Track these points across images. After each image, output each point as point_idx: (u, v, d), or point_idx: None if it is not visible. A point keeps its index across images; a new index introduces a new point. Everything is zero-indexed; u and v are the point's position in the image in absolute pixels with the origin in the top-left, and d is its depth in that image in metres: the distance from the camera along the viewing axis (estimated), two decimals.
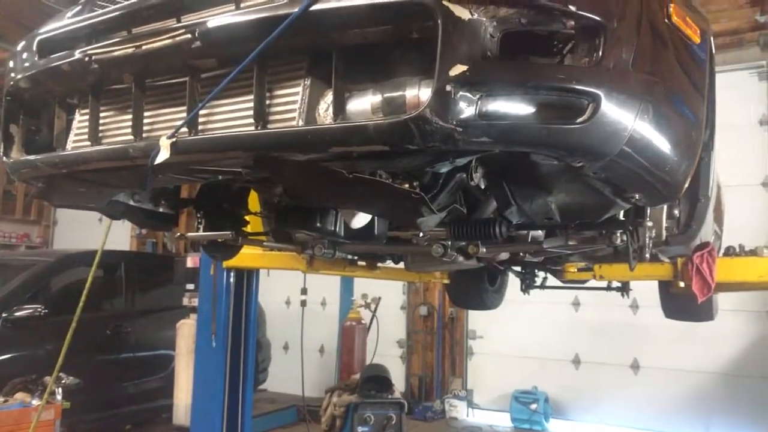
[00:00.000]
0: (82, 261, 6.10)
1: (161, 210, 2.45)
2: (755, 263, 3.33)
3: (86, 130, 1.86)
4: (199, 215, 2.52)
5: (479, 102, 1.27)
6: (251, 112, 1.54)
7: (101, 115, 1.86)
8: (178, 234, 2.80)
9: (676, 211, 2.47)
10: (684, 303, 3.75)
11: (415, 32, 1.36)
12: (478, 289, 4.92)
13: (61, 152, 1.95)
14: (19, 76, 1.94)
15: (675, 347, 7.06)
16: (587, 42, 1.33)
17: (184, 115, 1.63)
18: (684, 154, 1.56)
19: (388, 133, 1.32)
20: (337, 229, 2.12)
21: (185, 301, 6.31)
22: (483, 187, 1.81)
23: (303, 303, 6.17)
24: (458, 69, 1.25)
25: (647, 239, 2.06)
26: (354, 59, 1.47)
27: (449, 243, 2.06)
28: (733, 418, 6.81)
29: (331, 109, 1.47)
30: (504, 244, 2.19)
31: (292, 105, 1.53)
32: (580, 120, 1.30)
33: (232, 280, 4.93)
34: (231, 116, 1.61)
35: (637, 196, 1.64)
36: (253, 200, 2.59)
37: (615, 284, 4.69)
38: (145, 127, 1.75)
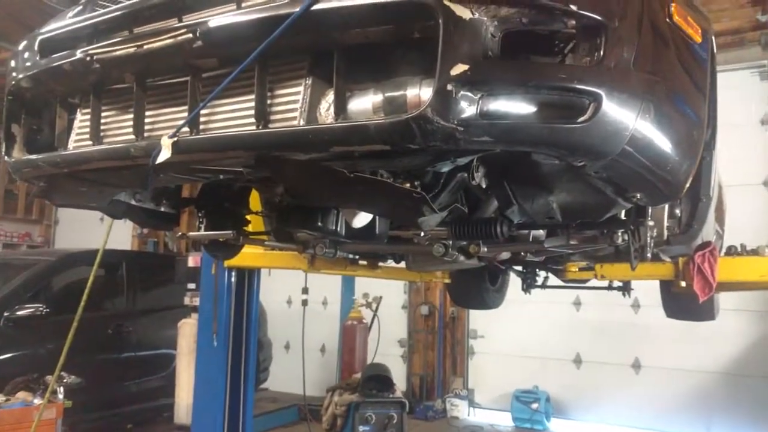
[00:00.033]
0: (84, 260, 6.11)
1: (162, 209, 2.45)
2: (757, 263, 3.33)
3: (88, 129, 1.86)
4: (200, 214, 2.52)
5: (480, 101, 1.27)
6: (252, 112, 1.54)
7: (102, 114, 1.86)
8: (180, 233, 2.79)
9: (678, 211, 2.47)
10: (685, 302, 3.75)
11: (416, 32, 1.36)
12: (479, 288, 4.92)
13: (62, 152, 1.95)
14: (20, 76, 1.94)
15: (676, 347, 7.06)
16: (588, 41, 1.33)
17: (186, 114, 1.63)
18: (685, 153, 1.56)
19: (390, 133, 1.32)
20: (339, 229, 2.13)
21: (186, 301, 6.32)
22: (484, 186, 1.81)
23: (304, 302, 6.18)
24: (459, 68, 1.25)
25: (648, 239, 2.06)
26: (355, 59, 1.47)
27: (450, 242, 2.06)
28: (735, 418, 6.80)
29: (332, 109, 1.47)
30: (505, 243, 2.18)
31: (293, 104, 1.53)
32: (581, 119, 1.30)
33: (233, 279, 4.93)
34: (232, 116, 1.61)
35: (638, 196, 1.64)
36: (255, 199, 2.59)
37: (616, 284, 4.69)
38: (147, 127, 1.75)
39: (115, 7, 1.77)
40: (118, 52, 1.69)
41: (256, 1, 1.52)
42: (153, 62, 1.69)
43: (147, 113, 1.76)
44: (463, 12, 1.27)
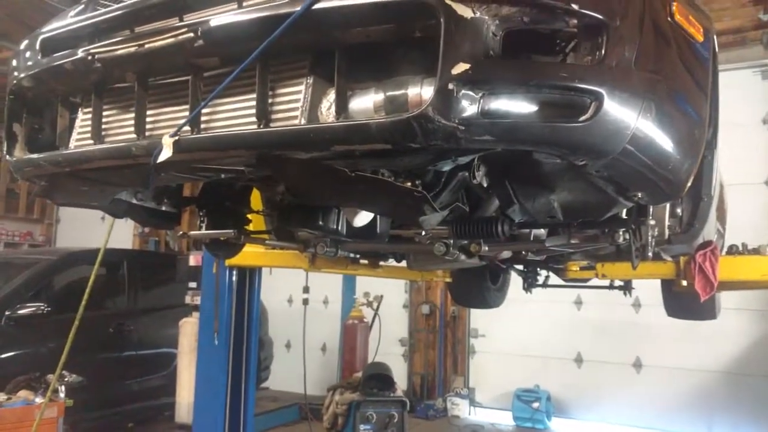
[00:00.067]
0: (85, 259, 6.12)
1: (164, 208, 2.46)
2: (758, 262, 3.33)
3: (89, 128, 1.86)
4: (201, 213, 2.52)
5: (482, 100, 1.27)
6: (254, 111, 1.54)
7: (104, 113, 1.86)
8: (181, 232, 2.80)
9: (679, 210, 2.47)
10: (686, 301, 3.75)
11: (417, 31, 1.36)
12: (480, 287, 4.91)
13: (63, 151, 1.95)
14: (22, 75, 1.95)
15: (677, 346, 7.05)
16: (590, 40, 1.33)
17: (187, 113, 1.63)
18: (687, 152, 1.56)
19: (391, 132, 1.32)
20: (340, 228, 2.13)
21: (188, 300, 6.33)
22: (485, 185, 1.81)
23: (305, 301, 6.18)
24: (461, 67, 1.25)
25: (650, 238, 2.06)
26: (356, 58, 1.47)
27: (451, 241, 2.06)
28: (736, 417, 6.80)
29: (333, 108, 1.47)
30: (506, 242, 2.18)
31: (294, 103, 1.53)
32: (582, 118, 1.29)
33: (234, 278, 4.94)
34: (233, 115, 1.61)
35: (639, 195, 1.64)
36: (256, 198, 2.59)
37: (617, 283, 4.69)
38: (148, 126, 1.75)
39: (116, 6, 1.77)
40: (119, 52, 1.69)
41: (257, 0, 1.52)
42: (154, 61, 1.69)
43: (148, 112, 1.76)
44: (465, 11, 1.26)
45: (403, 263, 3.39)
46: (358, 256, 3.45)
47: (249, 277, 5.05)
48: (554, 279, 4.57)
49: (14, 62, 2.00)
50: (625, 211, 2.02)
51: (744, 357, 6.92)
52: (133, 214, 2.38)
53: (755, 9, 7.09)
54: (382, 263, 3.82)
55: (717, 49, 1.87)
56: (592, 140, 1.33)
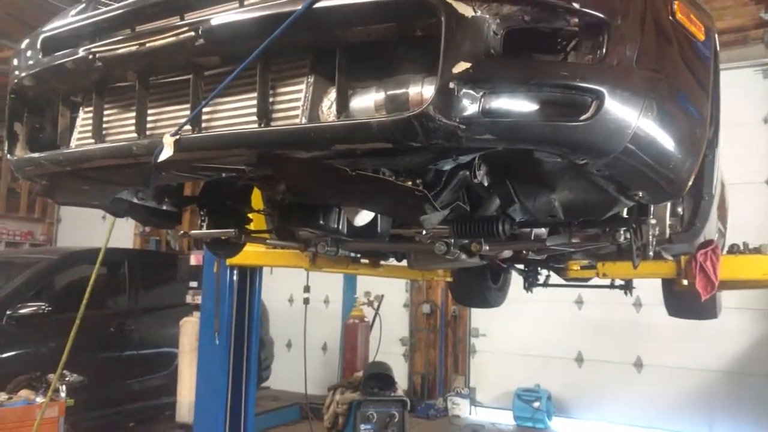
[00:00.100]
0: (86, 259, 6.12)
1: (164, 208, 2.46)
2: (759, 261, 3.33)
3: (90, 127, 1.86)
4: (202, 213, 2.53)
5: (482, 99, 1.27)
6: (254, 110, 1.54)
7: (105, 112, 1.86)
8: (182, 232, 2.80)
9: (680, 209, 2.47)
10: (687, 301, 3.75)
11: (418, 29, 1.36)
12: (481, 286, 4.91)
13: (64, 150, 1.95)
14: (23, 74, 1.95)
15: (678, 345, 7.05)
16: (591, 39, 1.33)
17: (188, 112, 1.63)
18: (688, 151, 1.56)
19: (392, 131, 1.32)
20: (340, 227, 2.13)
21: (188, 299, 6.31)
22: (486, 184, 1.81)
23: (306, 301, 6.18)
24: (461, 66, 1.25)
25: (651, 237, 2.06)
26: (357, 56, 1.47)
27: (452, 241, 2.06)
28: (737, 416, 6.80)
29: (334, 107, 1.47)
30: (507, 241, 2.18)
31: (295, 102, 1.53)
32: (583, 117, 1.29)
33: (235, 277, 4.94)
34: (234, 114, 1.61)
35: (640, 194, 1.64)
36: (257, 198, 2.59)
37: (618, 282, 4.69)
38: (149, 125, 1.75)
39: (117, 5, 1.77)
40: (120, 51, 1.70)
41: None
42: (155, 60, 1.69)
43: (149, 111, 1.76)
44: (466, 10, 1.26)
45: (404, 262, 3.39)
46: (358, 255, 3.46)
47: (250, 276, 5.05)
48: (555, 278, 4.57)
49: (15, 61, 2.00)
50: (626, 210, 2.02)
51: (745, 356, 6.92)
52: (133, 213, 2.38)
53: (757, 8, 7.09)
54: (382, 262, 3.82)
55: (718, 48, 1.87)
56: (593, 139, 1.33)
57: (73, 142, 1.96)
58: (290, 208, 2.21)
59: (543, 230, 2.21)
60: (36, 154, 1.99)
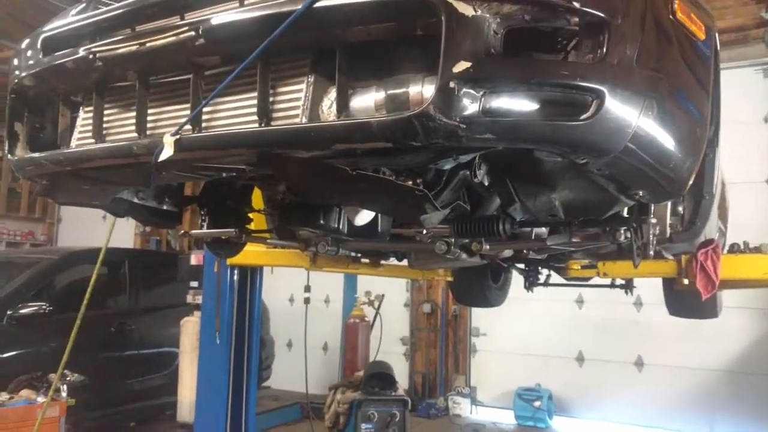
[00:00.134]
0: (87, 258, 6.12)
1: (165, 207, 2.46)
2: (759, 260, 3.33)
3: (90, 127, 1.86)
4: (202, 212, 2.53)
5: (483, 99, 1.27)
6: (255, 110, 1.54)
7: (105, 112, 1.86)
8: (182, 231, 2.80)
9: (681, 208, 2.47)
10: (688, 300, 3.74)
11: (418, 29, 1.36)
12: (481, 286, 4.91)
13: (65, 150, 1.95)
14: (23, 74, 1.95)
15: (679, 344, 7.05)
16: (591, 38, 1.33)
17: (188, 112, 1.63)
18: (688, 150, 1.56)
19: (392, 130, 1.32)
20: (341, 227, 2.13)
21: (189, 299, 6.32)
22: (486, 184, 1.81)
23: (306, 300, 6.18)
24: (462, 66, 1.25)
25: (651, 236, 2.06)
26: (357, 56, 1.47)
27: (453, 240, 2.06)
28: (738, 415, 6.80)
29: (334, 106, 1.47)
30: (507, 241, 2.18)
31: (295, 102, 1.53)
32: (584, 117, 1.29)
33: (235, 277, 4.94)
34: (234, 113, 1.61)
35: (641, 193, 1.63)
36: (257, 197, 2.59)
37: (619, 281, 4.69)
38: (149, 125, 1.75)
39: (117, 5, 1.77)
40: (120, 50, 1.70)
41: None
42: (155, 60, 1.69)
43: (149, 111, 1.76)
44: (466, 9, 1.26)
45: (405, 262, 3.39)
46: (359, 254, 3.45)
47: (250, 276, 5.05)
48: (555, 278, 4.57)
49: (15, 61, 2.00)
50: (626, 209, 2.02)
51: (746, 355, 6.91)
52: (134, 213, 2.38)
53: (757, 7, 7.08)
54: (383, 262, 3.82)
55: (719, 47, 1.87)
56: (594, 138, 1.33)
57: (74, 142, 1.96)
58: (290, 207, 2.21)
59: (543, 229, 2.21)
60: (36, 154, 1.99)
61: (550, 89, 1.30)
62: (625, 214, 2.05)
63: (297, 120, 1.51)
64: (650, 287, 4.79)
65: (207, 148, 1.62)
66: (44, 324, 5.67)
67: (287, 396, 8.30)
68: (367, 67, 1.49)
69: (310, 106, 1.51)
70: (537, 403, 7.61)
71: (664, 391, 7.20)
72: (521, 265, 4.22)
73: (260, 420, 6.19)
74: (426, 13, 1.29)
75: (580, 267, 3.73)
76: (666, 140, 1.46)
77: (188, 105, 1.65)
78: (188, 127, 1.62)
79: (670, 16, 1.51)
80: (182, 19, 1.63)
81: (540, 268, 4.37)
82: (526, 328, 7.96)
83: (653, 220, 2.04)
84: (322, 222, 2.08)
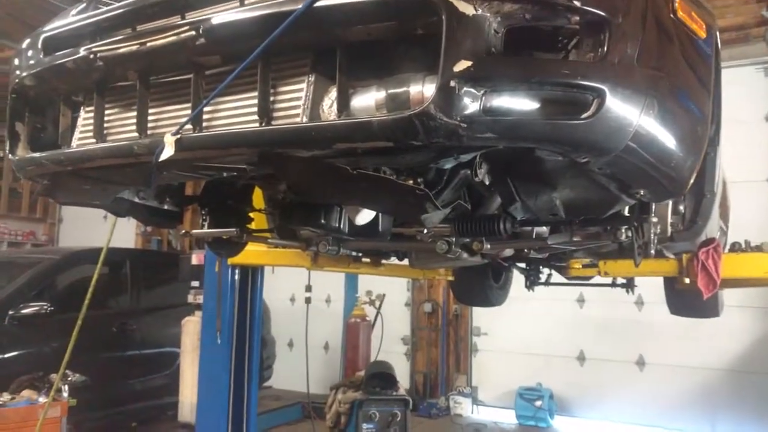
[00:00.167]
0: (88, 258, 6.12)
1: (166, 207, 2.46)
2: (761, 259, 3.33)
3: (91, 127, 1.86)
4: (203, 212, 2.53)
5: (483, 98, 1.27)
6: (255, 109, 1.54)
7: (106, 112, 1.87)
8: (183, 231, 2.80)
9: (682, 207, 2.46)
10: (689, 299, 3.74)
11: (419, 28, 1.36)
12: (482, 285, 4.91)
13: (66, 149, 1.95)
14: (24, 74, 1.95)
15: (680, 344, 7.04)
16: (592, 37, 1.33)
17: (189, 112, 1.63)
18: (689, 149, 1.56)
19: (392, 129, 1.32)
20: (342, 226, 2.13)
21: (190, 299, 6.32)
22: (487, 183, 1.81)
23: (307, 300, 6.18)
24: (462, 65, 1.25)
25: (652, 235, 2.06)
26: (358, 55, 1.47)
27: (453, 239, 2.06)
28: (740, 415, 6.79)
29: (335, 106, 1.47)
30: (508, 240, 2.18)
31: (296, 101, 1.53)
32: (584, 115, 1.29)
33: (236, 277, 4.94)
34: (235, 113, 1.62)
35: (642, 192, 1.63)
36: (258, 197, 2.59)
37: (620, 280, 4.68)
38: (150, 124, 1.75)
39: (118, 5, 1.77)
40: (121, 50, 1.70)
41: None
42: (156, 60, 1.69)
43: (150, 111, 1.76)
44: (467, 8, 1.26)
45: (405, 261, 3.39)
46: (360, 254, 3.46)
47: (251, 275, 5.05)
48: (556, 277, 4.57)
49: (16, 61, 2.00)
50: (627, 208, 2.02)
51: (747, 354, 6.91)
52: (135, 212, 2.38)
53: (758, 6, 7.07)
54: (384, 261, 3.82)
55: (720, 46, 1.87)
56: (595, 137, 1.33)
57: (75, 142, 1.97)
58: (291, 207, 2.21)
59: (544, 229, 2.21)
60: (37, 154, 1.99)
61: (550, 88, 1.30)
62: (626, 213, 2.05)
63: (298, 119, 1.51)
64: (651, 286, 4.79)
65: (208, 147, 1.62)
66: (46, 324, 5.68)
67: (288, 396, 8.30)
68: (367, 66, 1.49)
69: (310, 106, 1.51)
70: (538, 403, 7.61)
71: (666, 390, 7.20)
72: (522, 265, 4.22)
73: (261, 420, 6.19)
74: (426, 12, 1.29)
75: (581, 266, 3.73)
76: (667, 139, 1.46)
77: (189, 104, 1.65)
78: (189, 126, 1.62)
79: (671, 15, 1.51)
80: (183, 18, 1.63)
81: (541, 267, 4.37)
82: (528, 328, 7.96)
83: (654, 219, 2.04)
84: (323, 221, 2.08)
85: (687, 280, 3.12)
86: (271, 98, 1.55)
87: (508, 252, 2.74)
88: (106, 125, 1.86)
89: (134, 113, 1.76)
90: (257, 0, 1.50)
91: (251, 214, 2.64)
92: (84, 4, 1.97)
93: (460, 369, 8.61)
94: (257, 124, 1.54)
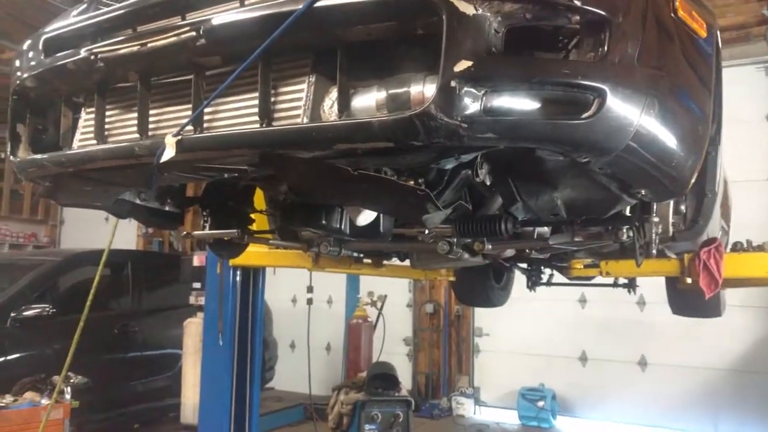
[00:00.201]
0: (89, 260, 6.13)
1: (167, 208, 2.46)
2: (762, 259, 3.33)
3: (92, 128, 1.87)
4: (204, 213, 2.52)
5: (484, 98, 1.26)
6: (256, 110, 1.54)
7: (107, 113, 1.87)
8: (184, 232, 2.80)
9: (683, 207, 2.46)
10: (691, 299, 3.74)
11: (419, 28, 1.36)
12: (484, 286, 4.91)
13: (67, 151, 1.96)
14: (25, 75, 1.95)
15: (682, 344, 7.03)
16: (592, 37, 1.33)
17: (190, 112, 1.64)
18: (690, 148, 1.56)
19: (393, 130, 1.32)
20: (343, 227, 2.13)
21: (192, 300, 6.32)
22: (488, 183, 1.81)
23: (309, 301, 6.19)
24: (463, 65, 1.25)
25: (654, 235, 2.06)
26: (358, 56, 1.47)
27: (455, 240, 2.06)
28: (742, 414, 6.78)
29: (335, 106, 1.47)
30: (510, 240, 2.18)
31: (296, 102, 1.53)
32: (585, 115, 1.29)
33: (238, 278, 4.94)
34: (236, 114, 1.61)
35: (643, 192, 1.63)
36: (259, 198, 2.59)
37: (621, 281, 4.68)
38: (151, 125, 1.75)
39: (118, 5, 1.77)
40: (122, 51, 1.70)
41: None
42: (157, 60, 1.69)
43: (151, 112, 1.76)
44: (467, 8, 1.26)
45: (407, 262, 3.39)
46: (361, 255, 3.46)
47: (253, 277, 5.06)
48: (558, 277, 4.56)
49: (17, 62, 2.00)
50: (628, 208, 2.02)
51: (749, 354, 6.90)
52: (136, 214, 2.39)
53: (759, 5, 7.07)
54: (385, 262, 3.82)
55: (720, 45, 1.86)
56: (595, 137, 1.33)
57: (76, 143, 1.97)
58: (292, 208, 2.21)
59: (546, 229, 2.21)
60: (38, 156, 1.99)
61: (551, 88, 1.29)
62: (627, 212, 2.05)
63: (298, 120, 1.51)
64: (653, 286, 4.78)
65: (209, 148, 1.62)
66: (48, 326, 5.68)
67: (290, 397, 8.30)
68: (368, 66, 1.49)
69: (311, 106, 1.51)
70: (540, 403, 7.61)
71: (668, 390, 7.19)
72: (524, 265, 4.22)
73: (264, 421, 6.19)
74: (427, 12, 1.29)
75: (582, 266, 3.72)
76: (668, 138, 1.46)
77: (190, 105, 1.65)
78: (190, 127, 1.62)
79: (672, 14, 1.51)
80: (183, 19, 1.63)
81: (542, 267, 4.37)
82: (529, 328, 7.96)
83: (656, 219, 2.04)
84: (324, 222, 2.08)
85: (689, 280, 3.11)
86: (272, 99, 1.55)
87: (510, 252, 2.74)
88: (107, 126, 1.86)
89: (135, 114, 1.76)
90: (257, 0, 1.50)
91: (252, 215, 2.64)
92: (85, 5, 1.97)
93: (462, 370, 8.60)
94: (258, 125, 1.54)
